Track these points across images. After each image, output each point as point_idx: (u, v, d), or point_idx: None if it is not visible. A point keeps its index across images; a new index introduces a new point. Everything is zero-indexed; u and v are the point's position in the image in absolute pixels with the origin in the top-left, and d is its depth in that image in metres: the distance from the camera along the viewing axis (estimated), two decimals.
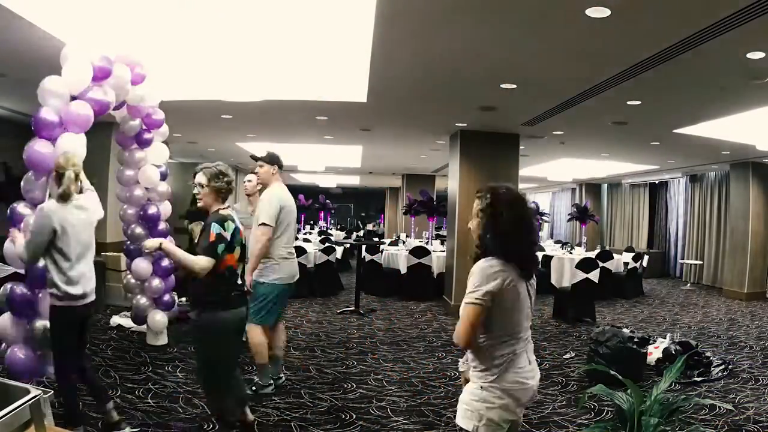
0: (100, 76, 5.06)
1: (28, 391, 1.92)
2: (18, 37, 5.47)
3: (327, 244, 13.64)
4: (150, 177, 6.98)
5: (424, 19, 4.86)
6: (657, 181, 18.45)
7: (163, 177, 7.15)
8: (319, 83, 7.58)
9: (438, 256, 12.28)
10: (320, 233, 20.22)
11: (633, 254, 13.86)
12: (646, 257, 14.15)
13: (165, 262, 7.18)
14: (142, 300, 7.27)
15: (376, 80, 6.95)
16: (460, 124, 10.07)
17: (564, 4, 4.37)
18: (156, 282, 7.24)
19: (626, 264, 13.56)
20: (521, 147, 10.89)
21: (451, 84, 7.18)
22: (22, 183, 4.73)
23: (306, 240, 15.66)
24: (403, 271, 12.29)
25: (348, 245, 17.58)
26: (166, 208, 7.20)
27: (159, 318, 7.29)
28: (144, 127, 6.77)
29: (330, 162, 17.33)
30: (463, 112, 8.98)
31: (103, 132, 6.25)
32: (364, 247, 12.96)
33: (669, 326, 9.86)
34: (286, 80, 7.40)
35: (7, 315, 4.53)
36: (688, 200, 17.23)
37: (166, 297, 7.40)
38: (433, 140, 12.12)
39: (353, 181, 27.07)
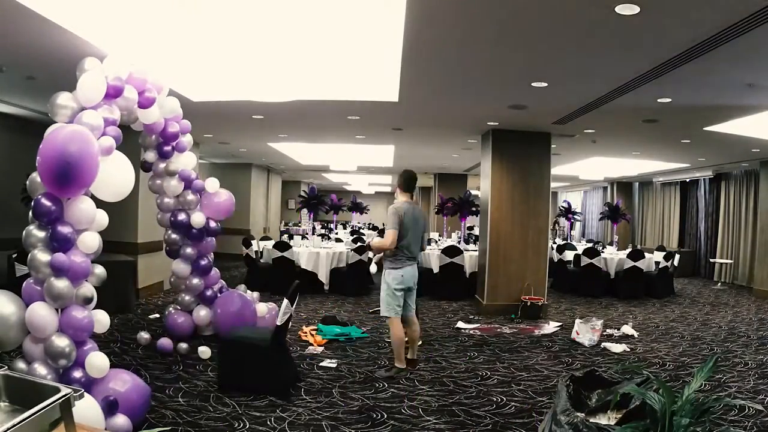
0: (112, 94, 5.08)
1: (58, 390, 1.94)
2: (49, 41, 5.55)
3: (359, 244, 13.64)
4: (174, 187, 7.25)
5: (454, 18, 4.84)
6: (688, 180, 18.17)
7: (188, 181, 7.31)
8: (351, 83, 7.60)
9: (470, 255, 12.23)
10: (353, 233, 20.25)
11: (664, 253, 13.71)
12: (677, 256, 13.98)
13: (203, 262, 7.48)
14: (186, 297, 7.65)
15: (407, 80, 6.95)
16: (491, 123, 10.03)
17: (594, 1, 4.33)
18: (195, 281, 7.55)
19: (657, 263, 13.42)
20: (553, 146, 10.81)
21: (482, 83, 7.15)
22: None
23: (338, 239, 15.70)
24: (436, 270, 12.27)
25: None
26: (198, 217, 7.32)
27: (203, 313, 7.61)
28: (161, 140, 6.92)
29: (362, 162, 17.35)
30: (494, 111, 8.93)
31: (131, 138, 6.32)
32: None
33: (699, 326, 9.74)
34: (317, 80, 7.42)
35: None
36: (719, 198, 16.98)
37: (208, 293, 7.67)
38: (464, 139, 12.08)
39: (385, 180, 27.07)
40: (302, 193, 14.92)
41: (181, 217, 7.27)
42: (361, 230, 22.89)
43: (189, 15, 5.05)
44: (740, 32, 4.70)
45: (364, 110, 9.11)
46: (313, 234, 14.39)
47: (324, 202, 15.32)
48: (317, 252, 12.28)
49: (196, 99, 8.22)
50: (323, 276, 12.19)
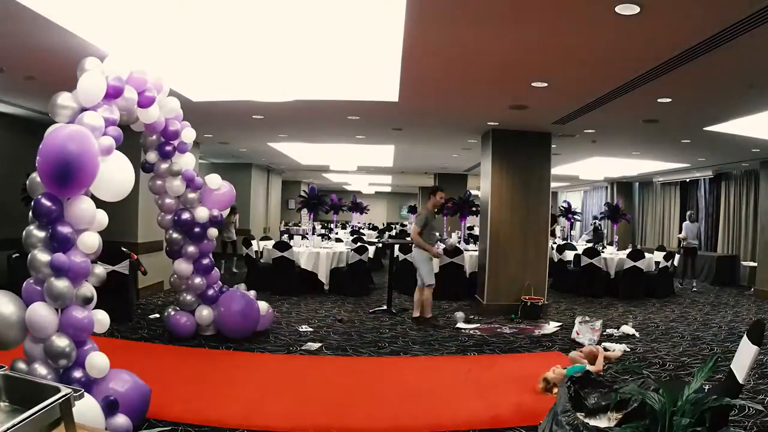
0: (112, 94, 5.08)
1: (58, 390, 1.94)
2: (49, 41, 5.55)
3: (359, 244, 13.63)
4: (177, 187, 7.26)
5: (454, 18, 4.85)
6: (688, 180, 18.17)
7: (190, 181, 7.30)
8: (351, 83, 7.60)
9: (470, 255, 12.22)
10: (353, 233, 20.25)
11: (664, 253, 13.70)
12: (677, 256, 13.97)
13: (205, 261, 7.54)
14: (188, 297, 7.68)
15: (408, 80, 6.94)
16: (491, 123, 10.03)
17: (594, 1, 4.33)
18: (198, 280, 7.58)
19: (657, 263, 13.41)
20: (553, 146, 10.81)
21: (482, 83, 7.15)
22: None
23: (338, 240, 15.70)
24: (436, 270, 12.23)
25: (380, 245, 17.61)
26: (201, 212, 7.35)
27: (206, 313, 7.63)
28: (162, 139, 6.91)
29: (362, 161, 17.35)
30: (494, 111, 8.94)
31: (131, 139, 6.34)
32: (396, 246, 12.95)
33: (699, 326, 9.73)
34: (317, 80, 7.42)
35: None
36: (719, 198, 16.98)
37: (210, 292, 7.70)
38: (464, 139, 12.08)
39: (385, 180, 27.09)
40: (302, 193, 14.92)
41: (185, 216, 7.28)
42: (361, 230, 22.89)
43: (189, 15, 5.05)
44: (740, 32, 4.70)
45: (364, 110, 9.11)
46: (313, 234, 14.37)
47: (324, 202, 15.32)
48: (317, 252, 12.27)
49: (196, 99, 8.22)
50: (323, 276, 12.18)
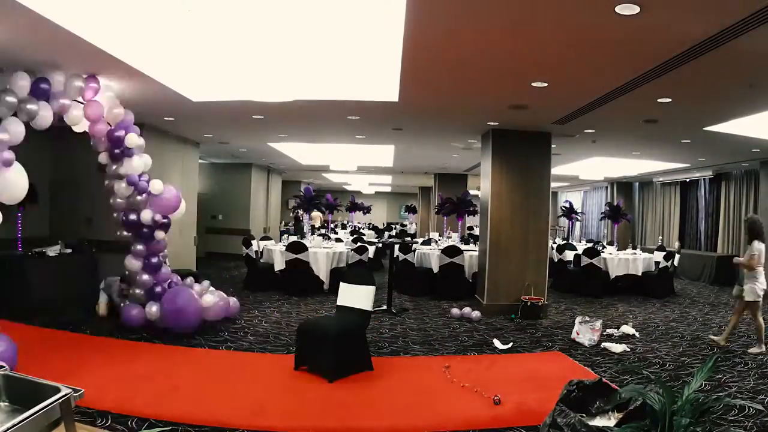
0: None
1: (58, 390, 1.94)
2: (48, 41, 5.55)
3: (359, 244, 13.62)
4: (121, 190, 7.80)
5: (455, 18, 4.84)
6: (688, 180, 18.15)
7: (134, 185, 7.79)
8: (351, 83, 7.60)
9: (470, 255, 12.21)
10: (353, 233, 20.23)
11: (664, 253, 13.69)
12: (677, 256, 13.95)
13: (153, 260, 8.01)
14: (137, 291, 8.14)
15: (407, 80, 6.94)
16: (491, 123, 10.02)
17: (594, 1, 4.33)
18: (145, 277, 8.05)
19: (657, 263, 13.42)
20: (553, 145, 10.80)
21: (482, 83, 7.15)
22: None
23: (338, 240, 15.69)
24: (436, 270, 12.25)
25: (380, 245, 17.60)
26: (145, 215, 7.85)
27: (155, 309, 7.93)
28: (110, 143, 7.45)
29: (362, 161, 17.32)
30: (494, 111, 8.93)
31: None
32: (397, 246, 12.95)
33: (699, 326, 9.73)
34: (317, 80, 7.42)
35: None
36: (719, 198, 16.95)
37: (157, 289, 8.03)
38: (464, 139, 12.07)
39: (385, 180, 27.06)
40: (298, 194, 14.93)
41: (132, 217, 7.83)
42: (362, 230, 22.88)
43: (189, 14, 5.05)
44: (740, 32, 4.70)
45: (364, 110, 9.10)
46: (312, 234, 14.35)
47: (319, 203, 15.30)
48: (317, 252, 12.26)
49: (196, 99, 8.22)
50: (323, 276, 12.17)
